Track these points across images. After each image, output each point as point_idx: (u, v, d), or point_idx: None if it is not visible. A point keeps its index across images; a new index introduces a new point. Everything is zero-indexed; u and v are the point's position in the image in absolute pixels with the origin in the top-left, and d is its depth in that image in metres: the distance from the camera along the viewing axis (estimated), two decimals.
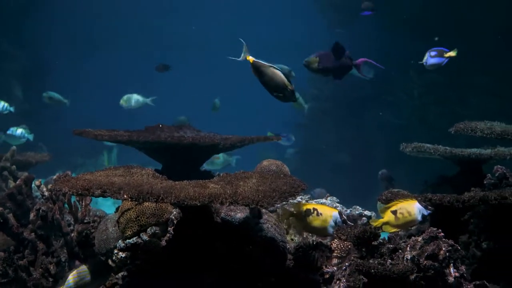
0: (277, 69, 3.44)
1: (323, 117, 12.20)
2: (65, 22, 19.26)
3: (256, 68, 3.44)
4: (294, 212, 3.20)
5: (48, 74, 16.37)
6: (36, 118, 14.07)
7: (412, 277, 2.78)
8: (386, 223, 3.13)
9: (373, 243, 2.98)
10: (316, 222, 3.13)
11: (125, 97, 8.60)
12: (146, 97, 8.65)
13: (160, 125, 4.73)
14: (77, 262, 3.98)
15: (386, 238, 3.07)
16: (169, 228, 3.49)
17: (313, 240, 3.42)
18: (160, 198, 2.65)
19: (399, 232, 3.43)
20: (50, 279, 3.90)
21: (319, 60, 4.47)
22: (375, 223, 3.14)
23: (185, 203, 2.63)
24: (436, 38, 8.72)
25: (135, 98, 8.58)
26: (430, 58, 5.10)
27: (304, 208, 3.18)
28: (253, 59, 3.43)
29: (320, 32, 14.27)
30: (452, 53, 5.03)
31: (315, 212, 3.14)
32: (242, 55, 3.43)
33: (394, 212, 3.10)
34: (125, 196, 2.68)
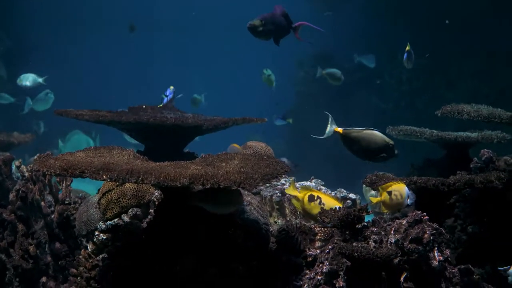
0: (373, 129, 3.33)
1: (310, 100, 12.15)
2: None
3: (348, 138, 3.32)
4: (298, 194, 3.15)
5: (31, 53, 16.22)
6: (21, 98, 13.96)
7: (396, 260, 2.75)
8: (382, 203, 3.11)
9: (357, 226, 2.94)
10: (317, 210, 3.07)
11: (21, 76, 8.87)
12: (40, 77, 8.75)
13: (144, 106, 4.66)
14: (57, 244, 3.93)
15: (371, 221, 3.04)
16: (150, 210, 3.44)
17: (296, 223, 3.38)
18: (140, 179, 2.59)
19: (384, 216, 3.40)
20: (30, 261, 3.84)
21: (263, 23, 4.29)
22: (374, 201, 3.11)
23: (165, 184, 2.58)
24: (447, 21, 8.78)
25: (31, 77, 8.81)
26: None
27: (308, 193, 3.13)
28: (342, 129, 3.32)
29: (305, 15, 14.20)
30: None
31: (318, 200, 3.09)
32: (329, 127, 3.33)
33: (389, 193, 3.07)
34: (104, 176, 2.62)
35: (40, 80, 8.82)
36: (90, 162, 2.78)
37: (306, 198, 3.10)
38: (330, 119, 3.32)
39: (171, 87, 4.86)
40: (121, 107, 4.74)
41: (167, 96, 4.85)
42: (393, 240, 2.82)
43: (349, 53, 11.29)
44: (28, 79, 8.77)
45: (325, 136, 3.36)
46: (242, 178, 2.66)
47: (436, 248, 2.85)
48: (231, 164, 2.94)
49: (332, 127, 3.34)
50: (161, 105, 4.70)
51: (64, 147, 9.70)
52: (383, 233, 2.92)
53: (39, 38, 17.35)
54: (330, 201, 3.07)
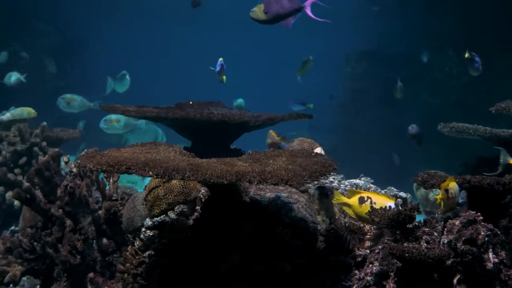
0: None
1: (358, 96, 12.04)
2: None
3: None
4: (347, 200, 3.08)
5: (82, 50, 16.43)
6: (73, 92, 14.15)
7: (449, 262, 2.67)
8: (442, 200, 3.01)
9: (408, 226, 2.86)
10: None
11: (8, 74, 8.94)
12: (22, 75, 8.86)
13: (191, 102, 4.64)
14: (104, 240, 3.94)
15: (422, 221, 2.95)
16: (197, 207, 3.41)
17: (345, 222, 3.31)
18: (186, 175, 2.55)
19: (436, 215, 3.30)
20: (78, 256, 3.85)
21: (264, 7, 4.16)
22: (438, 198, 3.02)
23: (212, 181, 2.54)
24: None
25: (14, 75, 8.90)
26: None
27: (358, 196, 3.05)
28: None
29: (355, 7, 14.06)
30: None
31: (369, 200, 3.01)
32: (502, 160, 3.30)
33: (446, 191, 2.97)
34: (150, 173, 2.59)
35: (21, 77, 9.03)
36: (137, 158, 2.76)
37: (356, 202, 3.02)
38: (503, 153, 3.27)
39: (220, 59, 4.82)
40: (167, 102, 4.74)
41: (215, 68, 4.82)
42: (446, 241, 2.73)
43: (396, 48, 11.14)
44: (11, 78, 8.96)
45: (499, 171, 3.30)
46: (289, 175, 2.61)
47: (490, 249, 2.75)
48: (279, 161, 2.89)
49: (506, 159, 3.28)
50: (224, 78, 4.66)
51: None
52: (435, 233, 2.84)
53: (86, 33, 17.56)
54: (381, 200, 2.98)
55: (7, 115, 6.09)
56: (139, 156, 2.89)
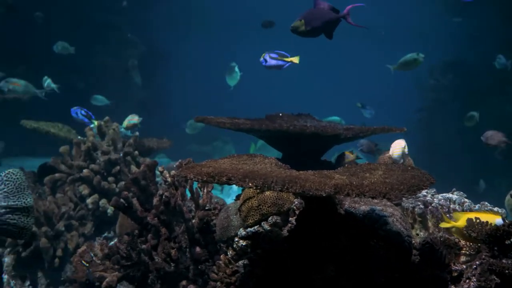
0: None
1: (440, 108, 11.87)
2: (181, 10, 19.64)
3: None
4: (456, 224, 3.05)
5: (165, 62, 16.78)
6: (155, 103, 14.44)
7: None
8: None
9: (506, 242, 2.81)
10: None
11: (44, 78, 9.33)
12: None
13: (280, 114, 4.70)
14: (197, 249, 4.02)
15: None
16: (290, 218, 3.45)
17: (440, 236, 3.28)
18: (285, 187, 2.59)
19: None
20: (172, 264, 3.96)
21: (304, 22, 4.18)
22: None
23: (310, 193, 2.57)
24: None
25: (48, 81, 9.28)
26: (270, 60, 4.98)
27: (465, 217, 3.03)
28: None
29: (435, 18, 13.88)
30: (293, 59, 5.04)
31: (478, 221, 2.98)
32: None
33: None
34: (250, 184, 2.65)
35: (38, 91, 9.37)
36: (236, 169, 2.82)
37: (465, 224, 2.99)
38: None
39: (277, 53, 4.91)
40: (245, 112, 4.80)
41: (272, 58, 4.89)
42: None
43: (479, 59, 10.92)
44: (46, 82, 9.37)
45: None
46: (387, 189, 2.61)
47: None
48: (375, 175, 2.90)
49: None
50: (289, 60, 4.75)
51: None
52: None
53: (169, 45, 17.92)
54: (489, 218, 2.94)
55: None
56: (238, 167, 2.96)
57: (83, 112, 7.66)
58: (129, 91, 15.32)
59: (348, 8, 4.36)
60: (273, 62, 5.09)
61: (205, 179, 2.75)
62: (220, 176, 2.72)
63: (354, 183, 2.66)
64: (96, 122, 7.31)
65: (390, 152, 4.04)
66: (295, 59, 4.95)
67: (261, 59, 5.09)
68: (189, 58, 20.23)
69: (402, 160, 4.01)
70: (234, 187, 9.37)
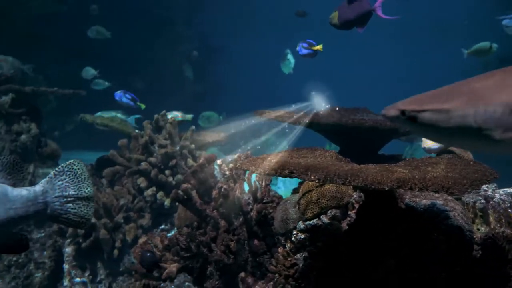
0: None
1: None
2: (232, 4, 19.72)
3: None
4: None
5: (219, 56, 16.89)
6: (208, 98, 14.56)
7: None
8: None
9: None
10: None
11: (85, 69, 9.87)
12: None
13: (337, 108, 4.69)
14: (255, 241, 4.06)
15: None
16: (349, 212, 3.46)
17: (502, 231, 3.25)
18: (347, 180, 2.60)
19: None
20: (231, 256, 4.00)
21: (338, 14, 4.15)
22: None
23: (372, 187, 2.57)
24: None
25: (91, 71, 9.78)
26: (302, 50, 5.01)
27: None
28: None
29: (482, 15, 13.64)
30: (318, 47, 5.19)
31: None
32: None
33: None
34: (312, 177, 2.66)
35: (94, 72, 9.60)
36: (298, 162, 2.84)
37: None
38: None
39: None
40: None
41: (304, 48, 4.94)
42: None
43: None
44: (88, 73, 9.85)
45: None
46: (450, 183, 2.60)
47: None
48: (437, 169, 2.88)
49: None
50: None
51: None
52: None
53: (223, 40, 18.01)
54: None
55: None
56: (299, 160, 2.98)
57: (128, 96, 7.81)
58: (181, 85, 15.48)
59: (379, 1, 4.35)
60: (305, 51, 5.19)
61: (267, 172, 2.78)
62: (282, 169, 2.74)
63: (417, 177, 2.65)
64: (142, 105, 7.46)
65: (427, 144, 4.01)
66: (319, 47, 5.02)
67: (298, 47, 5.18)
68: (241, 52, 20.29)
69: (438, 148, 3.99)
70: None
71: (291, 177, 2.76)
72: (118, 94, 8.00)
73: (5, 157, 3.52)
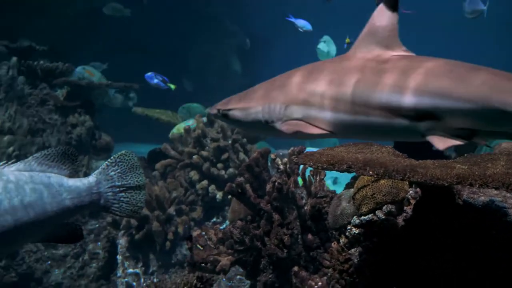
0: None
1: None
2: None
3: None
4: None
5: (266, 49, 16.89)
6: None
7: None
8: None
9: None
10: None
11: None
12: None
13: None
14: (309, 236, 4.07)
15: None
16: (404, 207, 3.44)
17: None
18: (406, 176, 2.59)
19: None
20: (285, 250, 4.02)
21: None
22: None
23: (432, 182, 2.56)
24: None
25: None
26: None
27: None
28: None
29: None
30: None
31: None
32: None
33: None
34: (370, 172, 2.66)
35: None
36: (355, 158, 2.84)
37: None
38: None
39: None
40: None
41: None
42: None
43: None
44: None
45: None
46: (511, 180, 2.56)
47: None
48: (497, 165, 2.84)
49: None
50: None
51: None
52: None
53: (270, 33, 18.01)
54: None
55: None
56: (356, 155, 2.97)
57: (159, 77, 7.89)
58: (229, 78, 15.55)
59: None
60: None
61: (324, 166, 2.78)
62: (340, 164, 2.74)
63: (477, 173, 2.61)
64: (172, 86, 7.51)
65: None
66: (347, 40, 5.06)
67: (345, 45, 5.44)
68: (289, 45, 20.24)
69: None
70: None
71: (348, 172, 2.76)
72: (149, 75, 8.07)
73: (60, 147, 3.62)
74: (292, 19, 7.03)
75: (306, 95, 3.04)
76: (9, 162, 3.53)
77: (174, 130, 7.57)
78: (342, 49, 9.35)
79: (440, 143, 2.83)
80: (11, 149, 7.08)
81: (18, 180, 3.43)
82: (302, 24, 7.38)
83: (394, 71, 2.86)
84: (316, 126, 3.06)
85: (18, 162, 3.56)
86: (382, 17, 3.02)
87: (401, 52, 3.02)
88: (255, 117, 3.17)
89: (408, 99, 2.78)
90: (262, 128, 3.19)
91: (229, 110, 3.28)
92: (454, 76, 2.76)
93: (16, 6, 11.52)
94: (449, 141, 2.82)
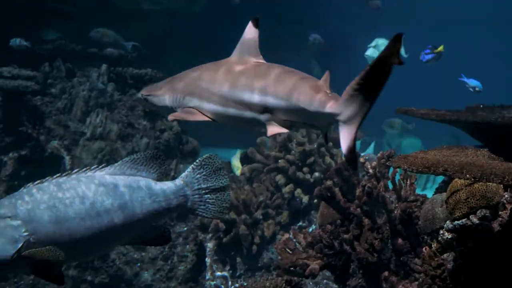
0: None
1: None
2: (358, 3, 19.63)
3: None
4: None
5: (348, 54, 16.85)
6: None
7: None
8: None
9: None
10: None
11: None
12: None
13: (481, 106, 4.57)
14: (399, 240, 4.03)
15: None
16: (500, 212, 3.35)
17: None
18: (505, 179, 2.54)
19: None
20: (375, 254, 3.99)
21: None
22: None
23: None
24: None
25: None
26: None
27: None
28: None
29: None
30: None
31: None
32: None
33: None
34: (467, 175, 2.62)
35: None
36: (451, 161, 2.80)
37: None
38: None
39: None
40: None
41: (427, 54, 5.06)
42: None
43: None
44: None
45: None
46: None
47: None
48: None
49: None
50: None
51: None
52: None
53: (347, 36, 17.99)
54: None
55: None
56: (451, 158, 2.93)
57: None
58: None
59: None
60: (428, 56, 5.51)
61: (420, 169, 2.76)
62: (436, 167, 2.71)
63: None
64: None
65: None
66: (441, 48, 5.79)
67: (421, 57, 5.52)
68: (366, 48, 20.15)
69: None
70: None
71: (444, 175, 2.73)
72: None
73: (149, 152, 3.77)
74: (465, 79, 7.24)
75: (198, 89, 3.81)
76: (100, 167, 3.68)
77: None
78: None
79: (269, 130, 3.53)
80: (101, 154, 7.33)
81: (109, 183, 3.59)
82: (474, 84, 7.52)
83: (250, 75, 3.63)
84: (204, 114, 3.78)
85: (108, 166, 3.72)
86: (250, 32, 3.80)
87: (259, 59, 3.79)
88: (164, 103, 3.96)
89: (255, 97, 3.54)
90: (168, 111, 3.94)
91: (148, 95, 4.06)
92: (279, 80, 3.53)
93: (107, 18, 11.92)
94: (276, 129, 3.53)
